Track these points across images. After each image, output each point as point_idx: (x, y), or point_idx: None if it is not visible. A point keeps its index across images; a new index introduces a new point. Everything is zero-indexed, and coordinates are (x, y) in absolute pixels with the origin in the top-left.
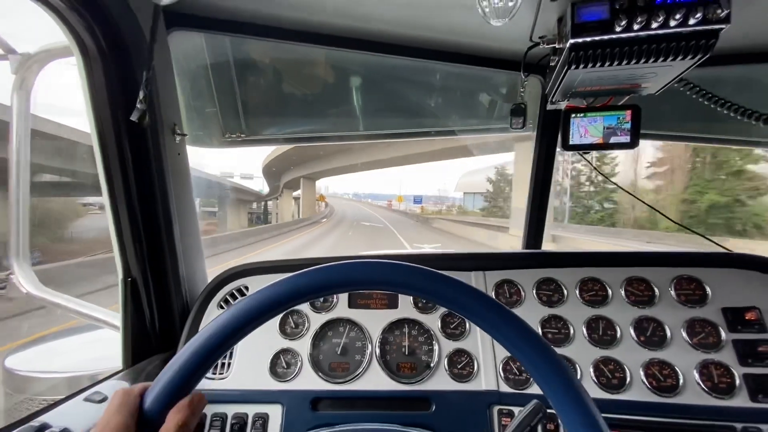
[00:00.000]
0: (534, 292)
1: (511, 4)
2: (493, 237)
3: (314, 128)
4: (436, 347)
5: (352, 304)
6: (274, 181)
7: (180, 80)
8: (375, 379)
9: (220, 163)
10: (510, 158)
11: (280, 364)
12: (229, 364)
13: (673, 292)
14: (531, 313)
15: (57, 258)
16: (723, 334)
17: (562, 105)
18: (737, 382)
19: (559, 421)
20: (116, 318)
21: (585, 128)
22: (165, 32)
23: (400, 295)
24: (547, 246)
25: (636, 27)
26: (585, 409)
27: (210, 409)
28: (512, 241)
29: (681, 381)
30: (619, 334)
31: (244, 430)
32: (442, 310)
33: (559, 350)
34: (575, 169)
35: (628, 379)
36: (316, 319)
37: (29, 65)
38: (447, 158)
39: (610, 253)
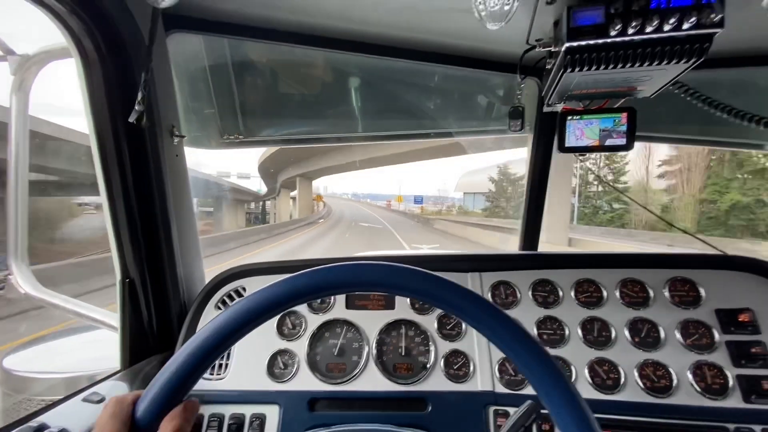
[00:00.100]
0: (530, 293)
1: (506, 8)
2: (505, 240)
3: (312, 129)
4: (432, 348)
5: (349, 305)
6: (271, 181)
7: (178, 82)
8: (372, 380)
9: (217, 163)
10: (512, 157)
11: (278, 364)
12: (226, 364)
13: (667, 294)
14: (526, 314)
15: (45, 260)
16: (716, 336)
17: (559, 107)
18: (730, 383)
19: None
20: (114, 318)
21: (581, 130)
22: (163, 34)
23: (397, 296)
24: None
25: (631, 31)
26: (577, 409)
27: (207, 410)
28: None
29: (675, 382)
30: (613, 335)
31: (242, 431)
32: (439, 311)
33: (554, 351)
34: (582, 168)
35: (623, 380)
36: (314, 320)
37: (28, 66)
38: (446, 156)
39: (605, 254)
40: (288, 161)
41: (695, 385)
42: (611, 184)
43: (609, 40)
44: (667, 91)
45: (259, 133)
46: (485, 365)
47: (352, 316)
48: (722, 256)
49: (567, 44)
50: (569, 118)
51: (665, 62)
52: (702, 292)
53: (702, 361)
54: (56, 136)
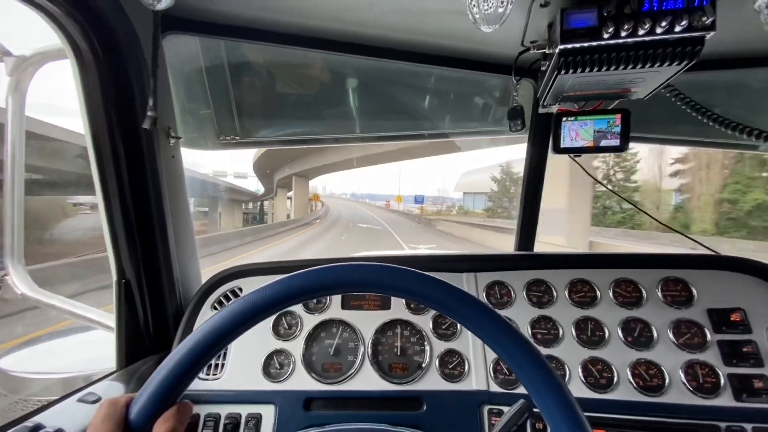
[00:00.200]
0: (524, 293)
1: (500, 10)
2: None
3: (308, 130)
4: (427, 348)
5: (345, 306)
6: (268, 180)
7: (174, 83)
8: (367, 380)
9: (214, 162)
10: (514, 156)
11: (274, 364)
12: (222, 364)
13: (659, 294)
14: (521, 314)
15: (34, 261)
16: (708, 335)
17: (554, 108)
18: (722, 381)
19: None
20: (110, 319)
21: (576, 131)
22: (160, 36)
23: (393, 297)
24: None
25: (623, 34)
26: (568, 408)
27: (203, 410)
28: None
29: (667, 381)
30: (607, 335)
31: (237, 431)
32: (434, 311)
33: (548, 351)
34: (590, 166)
35: (616, 379)
36: (309, 320)
37: (24, 67)
38: (444, 153)
39: (598, 254)
40: (282, 159)
41: (687, 384)
42: (602, 182)
43: (602, 43)
44: (660, 92)
45: (255, 134)
46: (480, 365)
47: (348, 316)
48: (714, 256)
49: (561, 46)
50: (564, 119)
51: (658, 64)
52: (694, 291)
53: (694, 360)
54: (48, 135)
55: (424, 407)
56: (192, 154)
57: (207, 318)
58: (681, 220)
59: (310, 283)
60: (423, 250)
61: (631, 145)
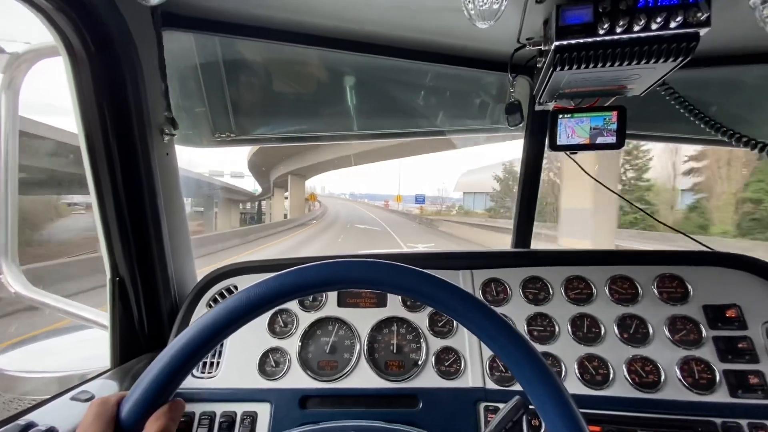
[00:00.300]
0: (520, 290)
1: (495, 6)
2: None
3: (304, 128)
4: (423, 345)
5: (341, 303)
6: (264, 180)
7: (169, 80)
8: (363, 377)
9: (209, 162)
10: (518, 155)
11: (269, 362)
12: (217, 363)
13: (655, 290)
14: (517, 311)
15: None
16: (704, 331)
17: (550, 106)
18: (717, 378)
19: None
20: (105, 318)
21: (572, 129)
22: (153, 32)
23: (388, 294)
24: None
25: (618, 30)
26: (563, 405)
27: (198, 408)
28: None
29: (663, 377)
30: (603, 332)
31: (233, 429)
32: (430, 308)
33: (544, 348)
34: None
35: (612, 376)
36: (305, 318)
37: (18, 65)
38: (443, 149)
39: (595, 251)
40: (277, 157)
41: (683, 381)
42: (600, 181)
43: (598, 39)
44: (656, 90)
45: (250, 132)
46: (476, 362)
47: (344, 313)
48: (710, 253)
49: (556, 43)
50: (560, 116)
51: (653, 61)
52: (690, 288)
53: (690, 356)
54: (38, 134)
55: (420, 405)
56: (190, 154)
57: None
58: (696, 221)
59: (306, 279)
60: (420, 248)
61: (643, 141)
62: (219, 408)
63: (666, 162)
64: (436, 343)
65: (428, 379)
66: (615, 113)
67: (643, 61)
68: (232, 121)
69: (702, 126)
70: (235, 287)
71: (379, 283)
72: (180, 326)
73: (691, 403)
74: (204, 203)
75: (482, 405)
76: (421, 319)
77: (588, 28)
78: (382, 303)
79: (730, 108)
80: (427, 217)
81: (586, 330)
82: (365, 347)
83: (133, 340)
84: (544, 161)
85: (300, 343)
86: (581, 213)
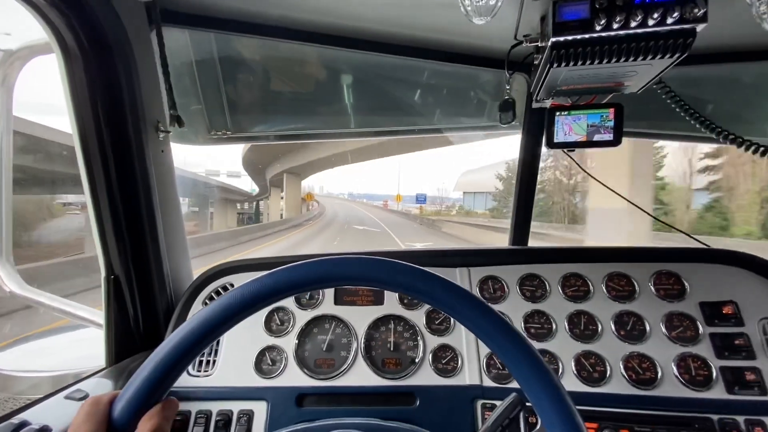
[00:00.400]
0: (518, 287)
1: (492, 2)
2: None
3: (301, 125)
4: (420, 343)
5: (338, 301)
6: (260, 179)
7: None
8: (360, 375)
9: (206, 161)
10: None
11: (266, 360)
12: (213, 361)
13: (652, 287)
14: (514, 308)
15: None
16: (700, 328)
17: (547, 103)
18: (714, 374)
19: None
20: (101, 316)
21: (569, 126)
22: (148, 29)
23: (386, 291)
24: None
25: (615, 26)
26: (560, 402)
27: (194, 407)
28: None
29: (659, 374)
30: (600, 329)
31: (229, 427)
32: (427, 306)
33: (541, 345)
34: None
35: (609, 373)
36: (302, 316)
37: (11, 62)
38: (443, 145)
39: (591, 248)
40: (272, 154)
41: (680, 377)
42: (597, 180)
43: (594, 35)
44: (652, 87)
45: (247, 129)
46: (473, 359)
47: (341, 311)
48: (706, 250)
49: (553, 39)
50: (558, 113)
51: (650, 57)
52: (687, 285)
53: (686, 353)
54: (28, 133)
55: (418, 402)
56: (185, 154)
57: None
58: (712, 221)
59: (302, 276)
60: (419, 246)
61: (640, 139)
62: (215, 406)
63: (681, 159)
64: (434, 341)
65: (425, 376)
66: (612, 110)
67: (640, 58)
68: (228, 118)
69: (696, 125)
70: (231, 285)
71: (376, 280)
72: (176, 324)
73: (687, 400)
74: (198, 203)
75: (479, 402)
76: (418, 316)
77: (585, 24)
78: (379, 301)
79: (727, 105)
80: (427, 217)
81: (583, 327)
82: (362, 345)
83: (129, 339)
84: (550, 159)
85: (297, 341)
86: (613, 213)
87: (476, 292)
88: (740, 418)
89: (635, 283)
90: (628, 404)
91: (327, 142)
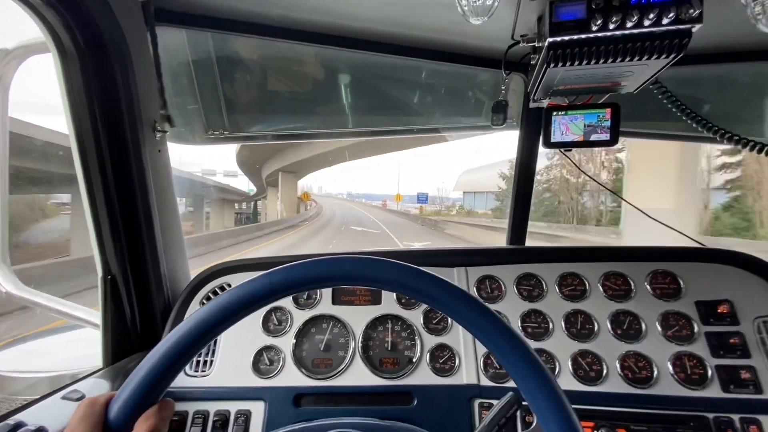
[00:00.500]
0: (515, 287)
1: (489, 2)
2: None
3: (298, 125)
4: (418, 342)
5: (335, 301)
6: (257, 178)
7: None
8: (358, 375)
9: (201, 160)
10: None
11: (263, 361)
12: (211, 361)
13: (648, 286)
14: (511, 307)
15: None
16: (696, 327)
17: (545, 103)
18: (709, 373)
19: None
20: (97, 317)
21: (566, 126)
22: (145, 28)
23: (383, 291)
24: None
25: (611, 26)
26: (556, 400)
27: (192, 407)
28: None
29: (655, 373)
30: (596, 328)
31: (226, 428)
32: (425, 305)
33: (538, 344)
34: (617, 160)
35: (605, 372)
36: (300, 316)
37: (7, 61)
38: (442, 141)
39: (588, 247)
40: (267, 151)
41: (675, 376)
42: (595, 179)
43: (591, 35)
44: (649, 87)
45: (244, 129)
46: (470, 359)
47: (339, 311)
48: (702, 249)
49: (549, 39)
50: (555, 113)
51: (646, 57)
52: (682, 284)
53: (682, 352)
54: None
55: (415, 402)
56: (181, 154)
57: None
58: (732, 222)
59: (298, 276)
60: (417, 246)
61: (636, 139)
62: (212, 407)
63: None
64: (431, 340)
65: (423, 376)
66: (608, 110)
67: (636, 58)
68: (226, 118)
69: (693, 125)
70: (229, 285)
71: (373, 280)
72: (173, 324)
73: (683, 399)
74: (193, 203)
75: (477, 402)
76: (415, 316)
77: (581, 24)
78: (376, 300)
79: (723, 105)
80: (428, 217)
81: (579, 326)
82: (360, 345)
83: (126, 339)
84: (556, 158)
85: (294, 341)
86: (661, 214)
87: (473, 291)
88: (735, 417)
89: (631, 283)
90: (625, 403)
91: (323, 141)
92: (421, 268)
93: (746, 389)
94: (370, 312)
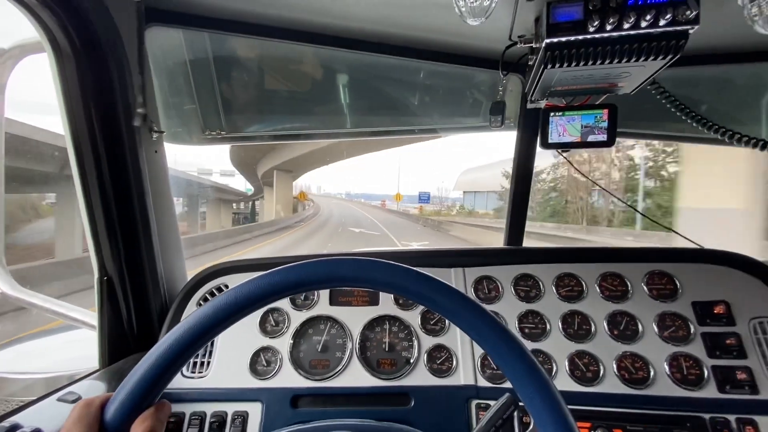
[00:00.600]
0: (512, 287)
1: (486, 3)
2: None
3: (296, 125)
4: (415, 343)
5: (333, 302)
6: (253, 177)
7: (157, 77)
8: (355, 376)
9: (198, 160)
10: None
11: (260, 362)
12: (208, 362)
13: (645, 287)
14: (509, 308)
15: None
16: (692, 328)
17: (542, 104)
18: (706, 373)
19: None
20: (94, 318)
21: (563, 127)
22: (142, 28)
23: (381, 292)
24: None
25: (608, 27)
26: (552, 401)
27: (189, 408)
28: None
29: (652, 373)
30: (593, 329)
31: (223, 429)
32: (422, 306)
33: (535, 345)
34: (628, 157)
35: (602, 372)
36: (297, 317)
37: (3, 61)
38: (439, 137)
39: (585, 248)
40: (259, 149)
41: (672, 377)
42: (594, 180)
43: (588, 36)
44: (646, 88)
45: (241, 129)
46: (468, 360)
47: (336, 312)
48: (699, 250)
49: (547, 40)
50: (552, 114)
51: (643, 59)
52: (679, 285)
53: (679, 352)
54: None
55: (412, 403)
56: (175, 153)
57: None
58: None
59: (295, 278)
60: (415, 246)
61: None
62: (209, 408)
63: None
64: (428, 341)
65: (420, 377)
66: (606, 111)
67: (633, 59)
68: (223, 118)
69: (693, 124)
70: (226, 286)
71: (370, 281)
72: (170, 326)
73: (679, 399)
74: (189, 203)
75: (474, 402)
76: (413, 317)
77: (578, 25)
78: (374, 301)
79: (720, 106)
80: (429, 217)
81: (576, 327)
82: (357, 346)
83: (122, 340)
84: (565, 154)
85: (291, 342)
86: (725, 215)
87: (471, 292)
88: (731, 417)
89: (628, 283)
90: (621, 404)
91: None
92: (418, 269)
93: (742, 390)
94: (368, 313)
